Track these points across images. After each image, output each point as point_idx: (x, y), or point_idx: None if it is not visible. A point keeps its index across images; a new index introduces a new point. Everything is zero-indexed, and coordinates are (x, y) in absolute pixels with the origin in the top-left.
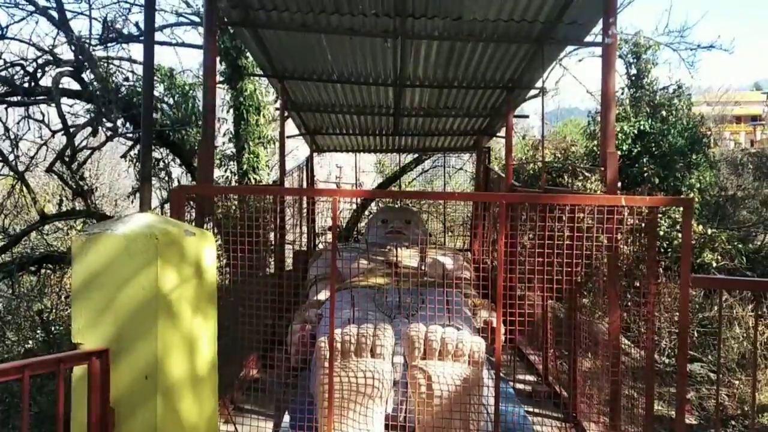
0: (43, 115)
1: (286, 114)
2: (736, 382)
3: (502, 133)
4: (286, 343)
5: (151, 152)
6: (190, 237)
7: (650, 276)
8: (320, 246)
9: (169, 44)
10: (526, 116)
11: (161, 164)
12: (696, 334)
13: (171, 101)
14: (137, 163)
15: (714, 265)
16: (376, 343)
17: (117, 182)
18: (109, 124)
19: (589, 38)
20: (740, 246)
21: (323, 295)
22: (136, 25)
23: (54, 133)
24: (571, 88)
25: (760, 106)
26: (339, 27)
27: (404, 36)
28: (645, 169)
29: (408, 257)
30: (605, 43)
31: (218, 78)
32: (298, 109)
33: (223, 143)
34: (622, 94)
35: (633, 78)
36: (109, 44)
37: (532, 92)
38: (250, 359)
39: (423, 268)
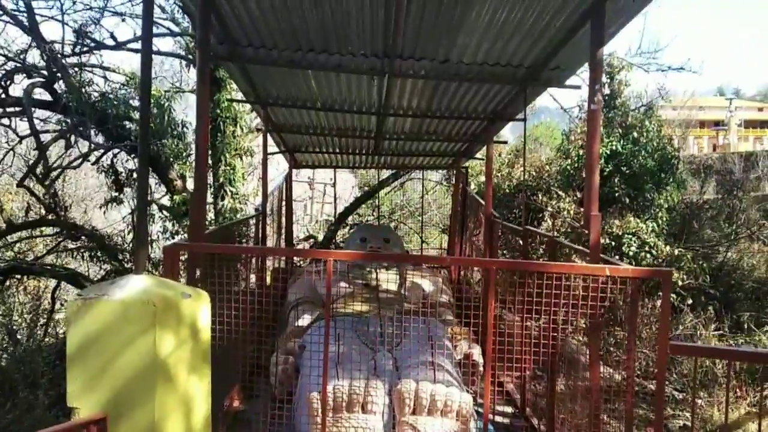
0: (10, 120)
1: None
2: (699, 401)
3: (481, 153)
4: (269, 373)
5: (146, 214)
6: (187, 299)
7: (630, 339)
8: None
9: (151, 51)
10: (505, 142)
11: (134, 175)
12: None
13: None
14: (110, 172)
15: (680, 284)
16: (368, 400)
17: (83, 181)
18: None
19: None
20: (704, 264)
21: (305, 321)
22: (112, 35)
23: (21, 138)
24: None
25: (722, 112)
26: (326, 65)
27: (391, 75)
28: (616, 189)
29: (387, 281)
30: (591, 109)
31: (182, 84)
32: (279, 130)
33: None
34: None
35: (606, 98)
36: (83, 53)
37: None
38: (233, 390)
39: (403, 291)
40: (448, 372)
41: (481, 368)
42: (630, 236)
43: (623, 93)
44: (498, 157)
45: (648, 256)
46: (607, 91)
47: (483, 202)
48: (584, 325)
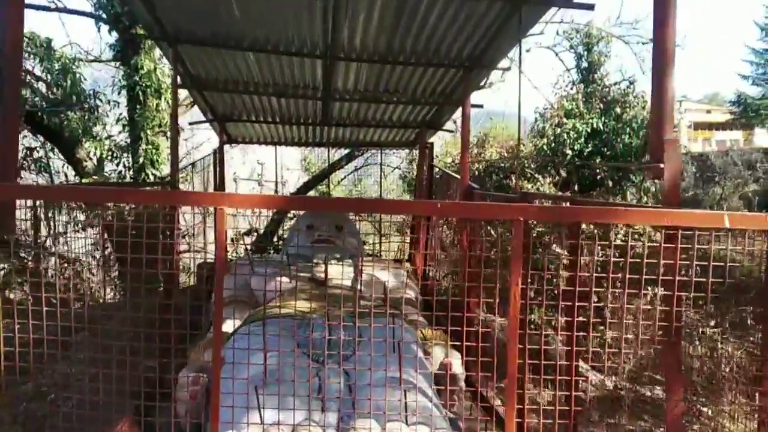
0: None
1: (184, 93)
2: (704, 408)
3: (448, 127)
4: (173, 398)
5: None
6: None
7: None
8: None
9: (47, 9)
10: (480, 106)
11: (34, 154)
12: None
13: (47, 77)
14: None
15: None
16: None
17: None
18: None
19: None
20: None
21: (229, 326)
22: None
23: None
24: (493, 93)
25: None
26: None
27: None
28: (598, 171)
29: (340, 274)
30: None
31: (107, 52)
32: (200, 87)
33: (119, 132)
34: (572, 89)
35: (584, 71)
36: None
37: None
38: (121, 423)
39: (359, 287)
40: (423, 393)
41: (462, 383)
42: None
43: (603, 66)
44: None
45: (638, 244)
46: (584, 64)
47: (456, 176)
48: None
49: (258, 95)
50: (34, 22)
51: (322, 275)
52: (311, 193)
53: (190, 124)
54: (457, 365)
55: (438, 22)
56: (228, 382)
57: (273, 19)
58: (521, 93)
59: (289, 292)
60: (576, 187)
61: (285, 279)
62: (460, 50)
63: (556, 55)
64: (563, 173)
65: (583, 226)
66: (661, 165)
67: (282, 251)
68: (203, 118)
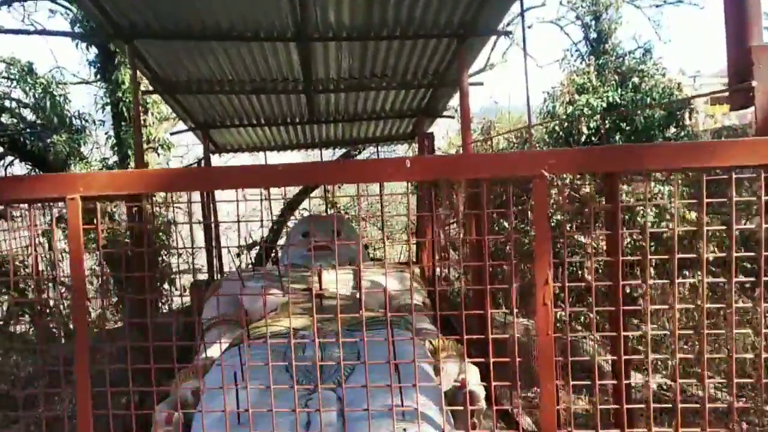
0: None
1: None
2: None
3: (447, 114)
4: None
5: None
6: None
7: None
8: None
9: (26, 32)
10: (480, 83)
11: None
12: None
13: (30, 101)
14: None
15: (710, 259)
16: None
17: None
18: None
19: None
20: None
21: (215, 351)
22: None
23: None
24: (486, 88)
25: (687, 90)
26: None
27: None
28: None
29: (336, 282)
30: None
31: (87, 70)
32: (171, 90)
33: (108, 153)
34: (581, 62)
35: (593, 43)
36: None
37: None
38: None
39: (358, 296)
40: (430, 421)
41: (482, 403)
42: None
43: (614, 34)
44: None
45: (669, 226)
46: (593, 34)
47: None
48: None
49: (236, 94)
50: (22, 48)
51: (317, 285)
52: (313, 202)
53: (172, 134)
54: (474, 382)
55: None
56: (204, 419)
57: (233, 1)
58: (526, 74)
59: (282, 307)
60: None
61: (277, 292)
62: (450, 16)
63: (561, 29)
64: None
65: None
66: (753, 83)
67: (278, 263)
68: (183, 127)
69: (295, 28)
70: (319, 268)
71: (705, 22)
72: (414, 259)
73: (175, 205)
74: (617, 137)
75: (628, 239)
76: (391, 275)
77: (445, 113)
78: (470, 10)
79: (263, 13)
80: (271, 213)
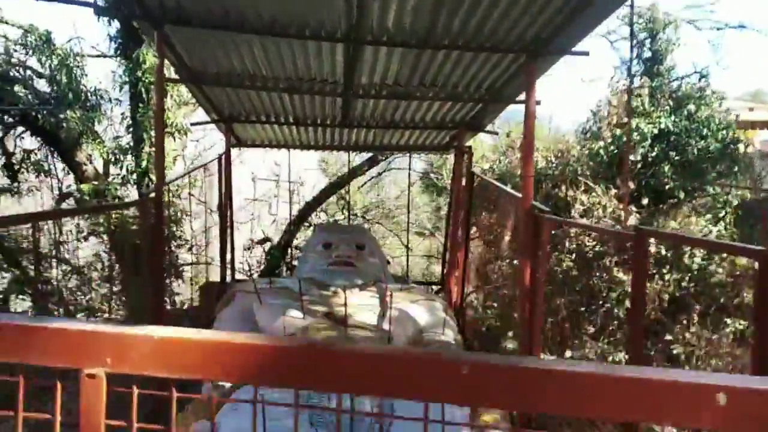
0: None
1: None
2: None
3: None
4: None
5: None
6: None
7: None
8: (240, 275)
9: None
10: (495, 133)
11: (31, 157)
12: None
13: (46, 72)
14: None
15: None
16: None
17: None
18: None
19: None
20: None
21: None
22: None
23: None
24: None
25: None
26: None
27: None
28: (666, 180)
29: (362, 307)
30: None
31: (107, 44)
32: (199, 81)
33: (123, 133)
34: (633, 83)
35: (647, 62)
36: None
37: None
38: None
39: (386, 325)
40: None
41: None
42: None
43: (671, 56)
44: (506, 137)
45: (719, 270)
46: (647, 53)
47: (513, 193)
48: None
49: (267, 91)
50: (42, 15)
51: (341, 309)
52: (331, 204)
53: (192, 124)
54: None
55: (496, 1)
56: None
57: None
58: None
59: (302, 332)
60: (645, 201)
61: (297, 314)
62: (524, 32)
63: (611, 44)
64: (631, 184)
65: (652, 248)
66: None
67: (294, 274)
68: (206, 118)
69: (346, 29)
70: (342, 289)
71: (731, 44)
72: (439, 280)
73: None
74: (666, 168)
75: (669, 276)
76: (419, 304)
77: (487, 129)
78: (549, 26)
79: (314, 11)
80: (290, 211)
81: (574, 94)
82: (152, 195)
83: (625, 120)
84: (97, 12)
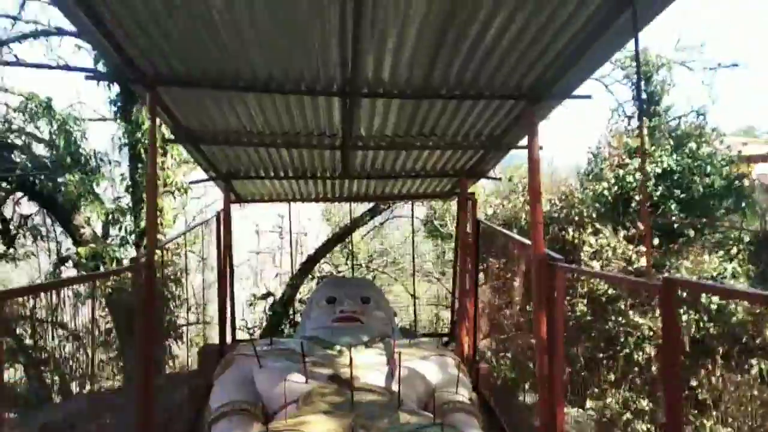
0: None
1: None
2: None
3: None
4: None
5: None
6: None
7: None
8: (244, 332)
9: (46, 66)
10: (499, 178)
11: (29, 223)
12: None
13: (45, 137)
14: None
15: None
16: None
17: None
18: None
19: None
20: None
21: None
22: None
23: None
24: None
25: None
26: None
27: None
28: (673, 218)
29: (369, 367)
30: None
31: (107, 108)
32: (195, 141)
33: (120, 196)
34: (629, 123)
35: (644, 104)
36: None
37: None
38: None
39: (395, 386)
40: None
41: None
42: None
43: (666, 96)
44: (509, 181)
45: (739, 309)
46: (643, 95)
47: (522, 240)
48: None
49: (265, 147)
50: (44, 82)
51: (347, 371)
52: (335, 255)
53: (191, 183)
54: None
55: (494, 46)
56: None
57: (274, 51)
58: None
59: (305, 398)
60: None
61: (299, 378)
62: (522, 78)
63: (606, 87)
64: (640, 225)
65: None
66: None
67: (297, 332)
68: (203, 176)
69: (342, 82)
70: (347, 348)
71: (722, 82)
72: (449, 331)
73: (188, 251)
74: (672, 206)
75: (687, 317)
76: (430, 360)
77: (490, 175)
78: (548, 72)
79: (308, 66)
80: (293, 264)
81: (570, 136)
82: (143, 259)
83: (627, 160)
84: (88, 77)
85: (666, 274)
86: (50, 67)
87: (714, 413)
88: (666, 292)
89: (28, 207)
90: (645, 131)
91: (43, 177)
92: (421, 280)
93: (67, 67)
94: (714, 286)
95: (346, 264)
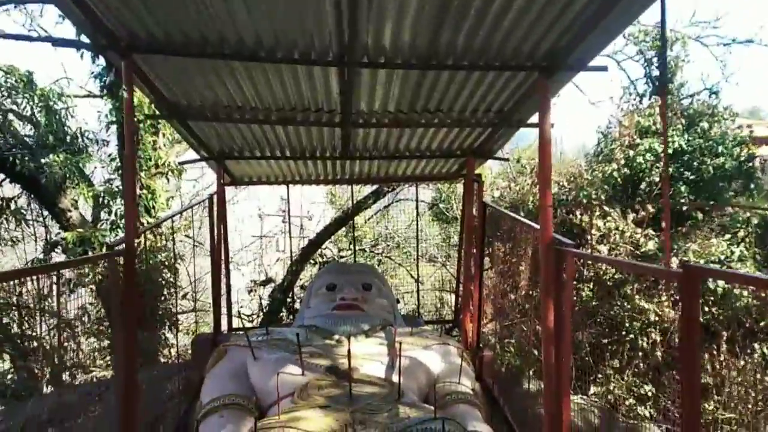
0: None
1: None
2: None
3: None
4: None
5: None
6: None
7: None
8: (244, 319)
9: (23, 38)
10: (507, 159)
11: (11, 205)
12: None
13: (27, 113)
14: None
15: None
16: None
17: None
18: None
19: None
20: None
21: None
22: None
23: None
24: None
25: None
26: None
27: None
28: (682, 199)
29: (369, 357)
30: None
31: (94, 84)
32: (181, 116)
33: (111, 177)
34: (641, 102)
35: (654, 80)
36: None
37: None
38: None
39: (395, 377)
40: None
41: None
42: (717, 266)
43: (680, 72)
44: (516, 163)
45: (745, 294)
46: (656, 72)
47: (530, 224)
48: None
49: (259, 123)
50: (28, 56)
51: (345, 361)
52: (339, 239)
53: (182, 163)
54: None
55: (506, 6)
56: None
57: (261, 13)
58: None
59: (301, 391)
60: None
61: (295, 370)
62: (536, 45)
63: (618, 64)
64: (650, 207)
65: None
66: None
67: (296, 320)
68: (195, 156)
69: (338, 50)
70: (347, 337)
71: (737, 58)
72: (453, 317)
73: (185, 235)
74: (681, 187)
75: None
76: (433, 349)
77: (497, 156)
78: (564, 38)
79: (301, 31)
80: (291, 249)
81: (577, 115)
82: (122, 246)
83: (638, 141)
84: (55, 43)
85: (674, 259)
86: (24, 38)
87: (716, 397)
88: (687, 280)
89: (10, 189)
90: (665, 108)
91: (25, 156)
92: (426, 264)
93: (46, 39)
94: (738, 274)
95: (349, 249)
